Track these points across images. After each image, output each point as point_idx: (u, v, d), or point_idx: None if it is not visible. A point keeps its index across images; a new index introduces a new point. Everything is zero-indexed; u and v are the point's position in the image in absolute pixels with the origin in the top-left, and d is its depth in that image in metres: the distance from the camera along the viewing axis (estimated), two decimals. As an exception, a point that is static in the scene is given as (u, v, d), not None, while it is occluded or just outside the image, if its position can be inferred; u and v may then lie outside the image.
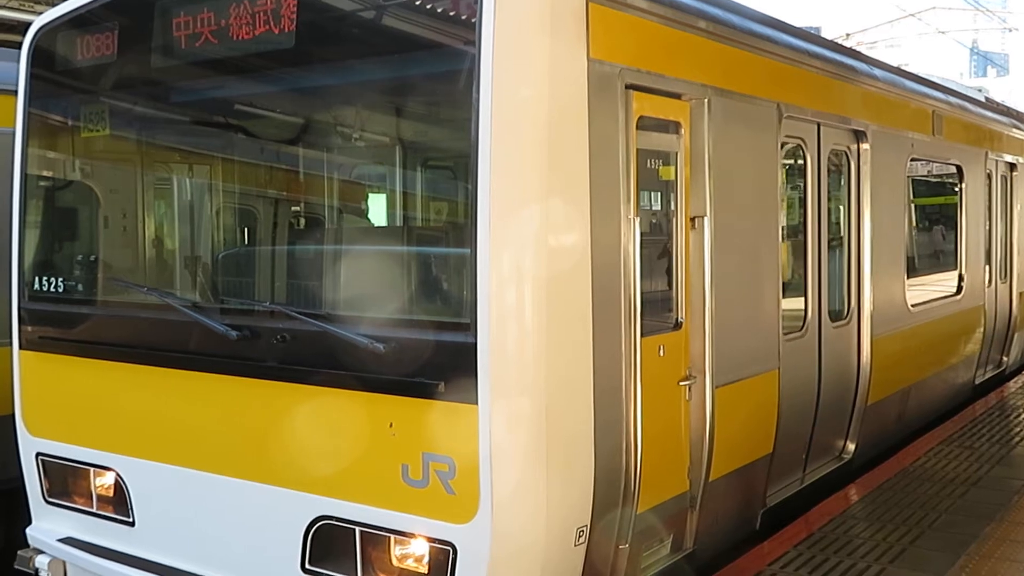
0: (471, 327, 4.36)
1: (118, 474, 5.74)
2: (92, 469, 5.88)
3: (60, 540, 5.99)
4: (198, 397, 5.36)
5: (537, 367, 4.46)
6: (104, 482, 5.86)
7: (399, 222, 6.33)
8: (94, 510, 5.91)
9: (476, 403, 4.35)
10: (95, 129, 6.08)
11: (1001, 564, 5.94)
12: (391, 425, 4.62)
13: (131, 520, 5.71)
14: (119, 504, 5.78)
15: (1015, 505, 7.10)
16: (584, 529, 4.74)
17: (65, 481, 6.07)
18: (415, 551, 4.70)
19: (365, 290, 5.21)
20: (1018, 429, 9.53)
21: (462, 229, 4.63)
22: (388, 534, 4.72)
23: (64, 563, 5.96)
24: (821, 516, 6.85)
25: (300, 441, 4.97)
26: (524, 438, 4.44)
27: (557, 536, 4.61)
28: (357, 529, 4.78)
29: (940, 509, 7.01)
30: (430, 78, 5.03)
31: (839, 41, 11.39)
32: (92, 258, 6.33)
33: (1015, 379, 12.48)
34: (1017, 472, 7.99)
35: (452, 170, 5.85)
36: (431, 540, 4.58)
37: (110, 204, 6.40)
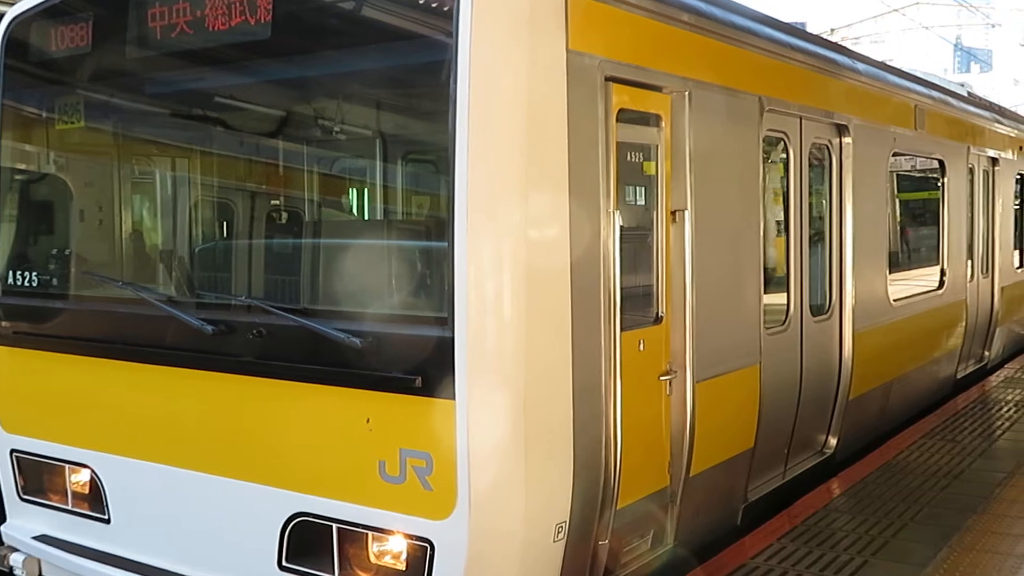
0: (448, 321, 4.32)
1: (93, 471, 5.68)
2: (67, 466, 5.82)
3: (35, 538, 5.94)
4: (174, 393, 5.30)
5: (515, 362, 4.42)
6: (79, 479, 5.81)
7: (376, 215, 6.28)
8: (69, 507, 5.85)
9: (454, 398, 4.32)
10: (69, 121, 6.01)
11: (983, 556, 5.95)
12: (368, 420, 4.57)
13: (107, 517, 5.65)
14: (95, 501, 5.73)
15: (997, 497, 7.12)
16: (563, 525, 4.70)
17: (40, 478, 6.01)
18: (393, 548, 4.66)
19: (342, 284, 5.17)
20: (1000, 423, 9.56)
21: (440, 222, 4.58)
22: (365, 531, 4.68)
23: (39, 561, 5.93)
24: (804, 509, 6.84)
25: (277, 437, 4.93)
26: (502, 434, 4.40)
27: (535, 532, 4.58)
28: (334, 526, 4.74)
29: (923, 502, 7.02)
30: (407, 69, 4.98)
31: (824, 37, 11.39)
32: (67, 252, 6.26)
33: (996, 373, 12.53)
34: (999, 465, 8.02)
35: (430, 163, 5.81)
36: (408, 537, 4.55)
37: (85, 197, 6.33)
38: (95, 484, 5.70)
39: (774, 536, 6.31)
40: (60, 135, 6.18)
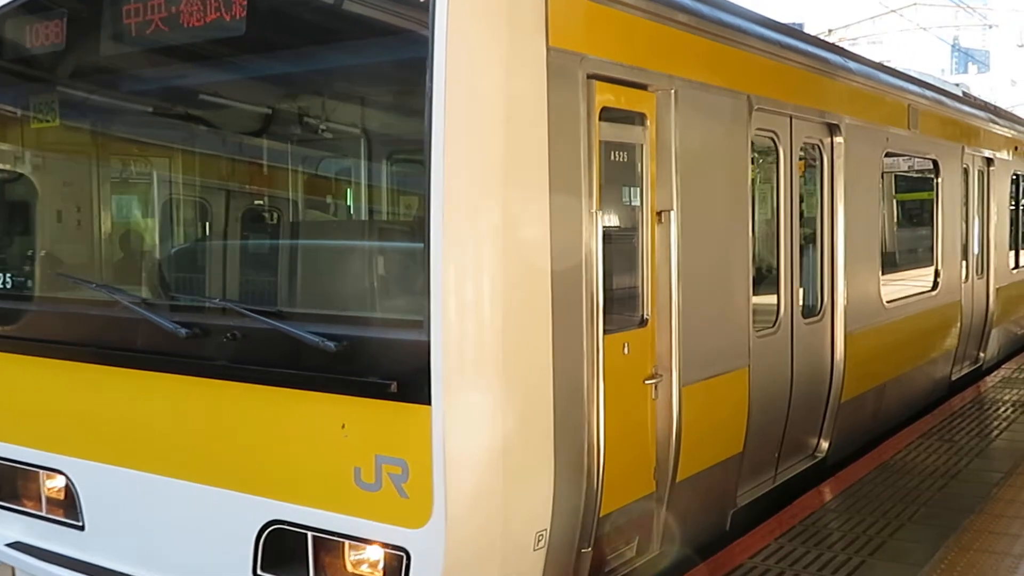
0: (424, 325, 4.21)
1: (67, 477, 5.57)
2: (41, 472, 5.71)
3: (8, 545, 5.83)
4: (148, 397, 5.20)
5: (493, 366, 4.31)
6: (53, 485, 5.71)
7: (351, 216, 6.17)
8: (43, 514, 5.74)
9: (429, 403, 4.20)
10: (44, 120, 5.90)
11: (980, 555, 5.92)
12: (343, 426, 4.47)
13: (81, 524, 5.54)
14: (69, 508, 5.61)
15: (994, 497, 7.08)
16: (543, 533, 4.59)
17: (13, 484, 5.90)
18: (369, 556, 4.56)
19: (317, 286, 5.07)
20: (996, 423, 9.51)
21: (416, 223, 4.48)
22: (341, 539, 4.57)
23: (13, 569, 5.81)
24: (802, 509, 6.81)
25: (251, 443, 4.83)
26: (479, 440, 4.30)
27: (514, 541, 4.47)
28: (309, 534, 4.64)
29: (920, 502, 6.98)
30: (381, 67, 4.88)
31: (816, 36, 11.28)
32: (42, 254, 6.15)
33: (994, 373, 12.44)
34: (996, 465, 7.98)
35: (406, 162, 5.70)
36: (384, 545, 4.44)
37: (58, 197, 6.22)
38: (69, 490, 5.59)
39: (772, 536, 6.28)
40: (34, 134, 6.08)
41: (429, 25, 4.19)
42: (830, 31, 29.14)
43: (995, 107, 14.29)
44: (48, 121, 5.91)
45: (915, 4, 29.74)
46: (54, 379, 5.61)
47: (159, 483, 5.13)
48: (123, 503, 5.34)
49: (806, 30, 15.04)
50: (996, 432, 9.11)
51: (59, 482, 5.66)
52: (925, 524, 6.50)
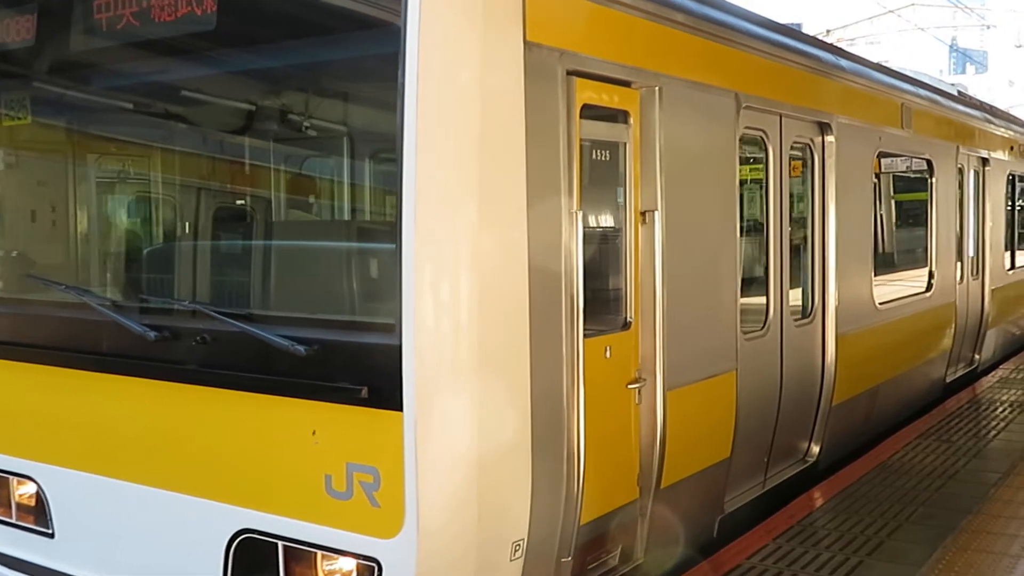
0: (396, 328, 4.08)
1: (37, 483, 5.44)
2: (11, 478, 5.58)
3: (-23, 553, 5.70)
4: (117, 402, 5.07)
5: (468, 371, 4.19)
6: (23, 491, 5.57)
7: (322, 216, 6.04)
8: (12, 520, 5.61)
9: (401, 410, 4.07)
10: (15, 117, 5.77)
11: (978, 556, 5.88)
12: (314, 433, 4.34)
13: (51, 532, 5.41)
14: (39, 515, 5.48)
15: (992, 497, 7.04)
16: (520, 543, 4.47)
17: (-17, 490, 5.76)
18: (340, 567, 4.43)
19: (287, 289, 4.94)
20: (994, 423, 9.44)
21: (388, 224, 4.35)
22: (312, 549, 4.44)
23: (-19, 576, 5.69)
24: (799, 510, 6.75)
25: (221, 449, 4.70)
26: (453, 447, 4.17)
27: (490, 551, 4.35)
28: (280, 544, 4.51)
29: (918, 502, 6.94)
30: (352, 62, 4.75)
31: (808, 34, 11.14)
32: (13, 254, 6.02)
33: (992, 374, 12.33)
34: (993, 465, 7.93)
35: (378, 161, 5.56)
36: (356, 556, 4.31)
37: (25, 196, 6.08)
38: (40, 497, 5.46)
39: (769, 536, 6.23)
40: (4, 131, 5.94)
41: (401, 17, 4.07)
42: (828, 31, 29.04)
43: (991, 107, 14.18)
44: (20, 119, 5.78)
45: (913, 4, 29.64)
46: (24, 383, 5.49)
47: (129, 490, 5.01)
48: (93, 510, 5.21)
49: (804, 30, 14.92)
50: (993, 432, 9.05)
51: (29, 488, 5.53)
52: (923, 524, 6.47)
